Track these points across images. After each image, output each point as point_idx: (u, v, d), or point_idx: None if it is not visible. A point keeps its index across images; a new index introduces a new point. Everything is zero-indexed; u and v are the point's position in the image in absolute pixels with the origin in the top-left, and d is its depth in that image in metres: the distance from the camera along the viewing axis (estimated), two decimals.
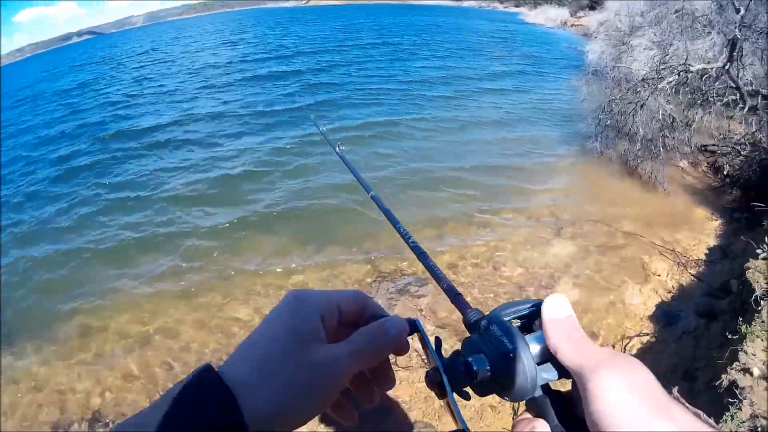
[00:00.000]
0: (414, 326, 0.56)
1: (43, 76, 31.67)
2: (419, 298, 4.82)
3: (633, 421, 0.38)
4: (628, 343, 4.28)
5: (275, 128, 11.06)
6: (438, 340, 0.55)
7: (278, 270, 5.59)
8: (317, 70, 18.11)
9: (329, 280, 5.31)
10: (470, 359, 0.50)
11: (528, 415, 0.50)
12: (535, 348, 0.49)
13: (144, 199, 7.92)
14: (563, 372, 0.48)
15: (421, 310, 4.64)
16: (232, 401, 0.42)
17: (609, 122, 8.23)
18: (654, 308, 4.69)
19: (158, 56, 29.60)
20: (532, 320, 0.54)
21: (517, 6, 42.62)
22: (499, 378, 0.50)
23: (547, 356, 0.49)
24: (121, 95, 17.56)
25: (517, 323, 0.54)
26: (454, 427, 0.49)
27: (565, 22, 33.15)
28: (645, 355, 4.12)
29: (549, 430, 0.47)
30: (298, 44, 26.52)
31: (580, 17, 33.47)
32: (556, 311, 0.50)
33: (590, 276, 5.24)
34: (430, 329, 4.31)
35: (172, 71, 22.02)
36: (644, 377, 0.41)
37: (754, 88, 6.92)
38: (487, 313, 0.56)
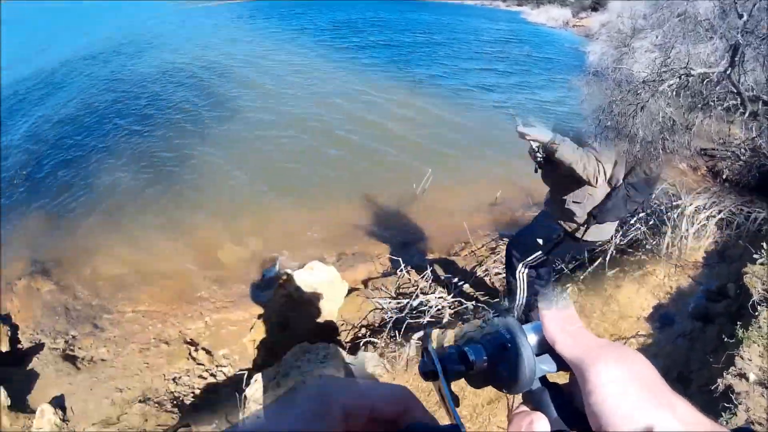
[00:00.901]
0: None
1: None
2: None
3: (632, 410, 0.38)
4: (623, 344, 4.27)
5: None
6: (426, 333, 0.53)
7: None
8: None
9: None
10: (466, 348, 0.49)
11: (525, 408, 0.49)
12: (532, 339, 0.48)
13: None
14: (561, 363, 0.48)
15: None
16: None
17: (609, 123, 8.10)
18: (650, 310, 4.69)
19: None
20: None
21: (519, 5, 42.39)
22: (496, 369, 0.48)
23: (545, 347, 0.48)
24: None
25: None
26: (448, 422, 0.45)
27: (567, 23, 33.10)
28: None
29: (548, 423, 0.46)
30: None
31: (582, 18, 33.42)
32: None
33: (585, 276, 5.23)
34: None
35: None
36: (643, 367, 0.42)
37: (755, 93, 6.85)
38: None
